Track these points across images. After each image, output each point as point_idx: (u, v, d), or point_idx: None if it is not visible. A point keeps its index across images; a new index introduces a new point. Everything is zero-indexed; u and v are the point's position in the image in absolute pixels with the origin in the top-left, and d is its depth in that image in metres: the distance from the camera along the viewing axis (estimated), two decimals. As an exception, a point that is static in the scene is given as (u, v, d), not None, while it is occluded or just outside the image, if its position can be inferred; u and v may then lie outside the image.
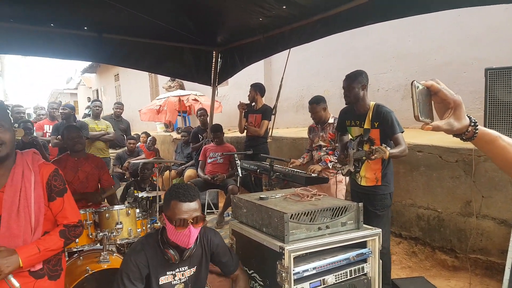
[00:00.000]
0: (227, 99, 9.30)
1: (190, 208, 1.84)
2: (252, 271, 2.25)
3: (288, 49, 4.93)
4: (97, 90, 19.99)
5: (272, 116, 5.32)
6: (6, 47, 4.53)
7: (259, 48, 4.87)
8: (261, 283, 2.15)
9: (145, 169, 4.60)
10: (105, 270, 2.64)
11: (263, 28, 4.41)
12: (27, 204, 1.63)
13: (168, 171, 6.42)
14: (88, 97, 20.79)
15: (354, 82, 3.00)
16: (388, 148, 2.57)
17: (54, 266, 1.77)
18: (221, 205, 5.78)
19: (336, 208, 2.15)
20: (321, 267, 2.03)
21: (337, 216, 2.15)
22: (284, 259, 1.90)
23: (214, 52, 5.65)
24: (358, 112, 3.09)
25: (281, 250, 1.92)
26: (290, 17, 3.94)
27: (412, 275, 3.69)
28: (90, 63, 17.12)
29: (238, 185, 5.06)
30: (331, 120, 4.02)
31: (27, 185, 1.65)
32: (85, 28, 4.64)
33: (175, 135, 9.70)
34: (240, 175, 4.26)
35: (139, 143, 7.58)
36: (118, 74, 16.26)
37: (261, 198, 2.37)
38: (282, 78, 5.76)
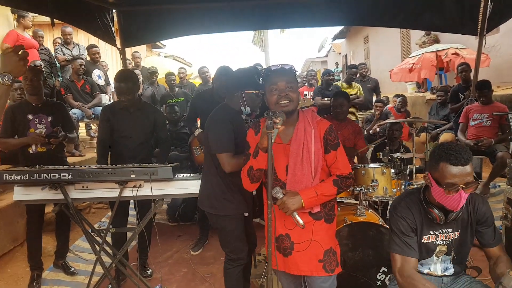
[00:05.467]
0: (496, 50, 7.76)
1: (462, 172, 1.68)
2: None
3: None
4: (346, 55, 20.68)
5: None
6: (271, 23, 5.18)
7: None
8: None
9: (393, 129, 4.40)
10: (361, 222, 2.78)
11: None
12: (308, 155, 1.88)
13: (425, 133, 5.96)
14: (336, 63, 21.78)
15: None
16: None
17: (329, 210, 2.00)
18: (485, 175, 5.01)
19: None
20: None
21: None
22: None
23: (483, -6, 4.77)
24: None
25: None
26: None
27: None
28: (340, 29, 17.78)
29: (511, 152, 4.24)
30: None
31: (308, 139, 1.89)
32: (342, -9, 4.77)
33: (428, 95, 8.95)
34: (516, 139, 3.53)
35: (389, 105, 7.41)
36: (367, 36, 16.21)
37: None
38: None
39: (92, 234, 2.73)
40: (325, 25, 5.64)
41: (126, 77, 3.08)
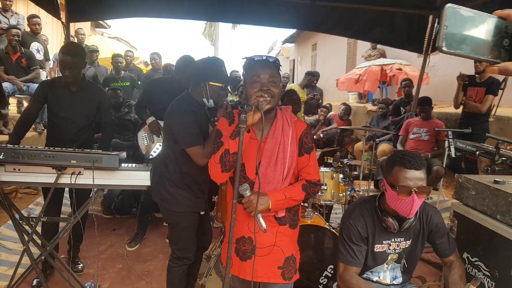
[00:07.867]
0: (436, 70, 8.31)
1: (415, 176, 1.74)
2: (476, 259, 2.09)
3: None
4: (293, 60, 21.05)
5: (499, 91, 4.48)
6: (226, 16, 5.05)
7: (491, 9, 4.08)
8: (487, 273, 2.01)
9: (343, 135, 4.53)
10: (308, 225, 2.79)
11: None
12: (283, 155, 1.76)
13: (373, 141, 6.16)
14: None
15: None
16: None
17: (294, 215, 1.90)
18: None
19: None
20: None
21: None
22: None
23: (430, 16, 5.09)
24: None
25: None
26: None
27: None
28: (291, 33, 18.05)
29: (444, 166, 4.56)
30: None
31: (285, 138, 1.78)
32: (300, -6, 4.81)
33: (370, 106, 9.38)
34: (453, 155, 3.80)
35: (331, 112, 7.65)
36: (316, 44, 16.64)
37: (496, 182, 2.11)
38: (521, 45, 4.75)
39: (21, 222, 2.44)
40: (280, 26, 5.65)
41: (74, 51, 2.81)
